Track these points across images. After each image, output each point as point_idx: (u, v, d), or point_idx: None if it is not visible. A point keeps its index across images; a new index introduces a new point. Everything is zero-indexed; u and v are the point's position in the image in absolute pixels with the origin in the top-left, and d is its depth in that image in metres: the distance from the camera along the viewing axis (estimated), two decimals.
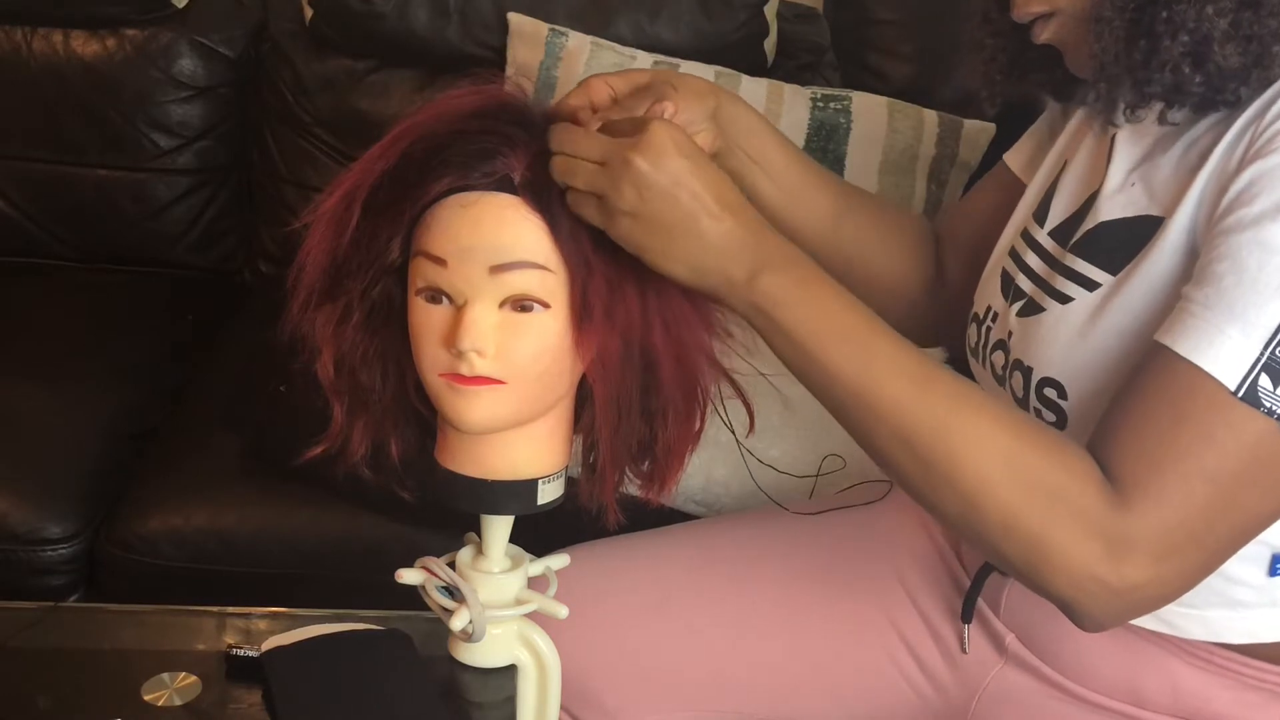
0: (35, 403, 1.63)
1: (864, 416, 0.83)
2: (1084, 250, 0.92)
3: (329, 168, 1.94)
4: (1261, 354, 0.77)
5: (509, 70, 1.84)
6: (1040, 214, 1.00)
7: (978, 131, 1.80)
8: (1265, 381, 0.77)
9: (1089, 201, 0.95)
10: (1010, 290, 0.99)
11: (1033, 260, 0.98)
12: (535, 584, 0.99)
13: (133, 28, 1.95)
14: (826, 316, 0.84)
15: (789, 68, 1.98)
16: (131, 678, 0.98)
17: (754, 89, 1.80)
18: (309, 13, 1.94)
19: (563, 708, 1.08)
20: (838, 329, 0.83)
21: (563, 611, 0.94)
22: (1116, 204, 0.91)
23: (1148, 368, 0.82)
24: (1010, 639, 1.04)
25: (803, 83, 1.85)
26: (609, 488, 0.95)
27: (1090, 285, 0.90)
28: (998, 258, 1.03)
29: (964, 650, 1.06)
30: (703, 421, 0.95)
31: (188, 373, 1.79)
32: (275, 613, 1.08)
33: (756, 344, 0.91)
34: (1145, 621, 0.94)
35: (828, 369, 0.83)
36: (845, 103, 1.78)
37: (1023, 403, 0.94)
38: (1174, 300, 0.82)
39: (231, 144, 2.01)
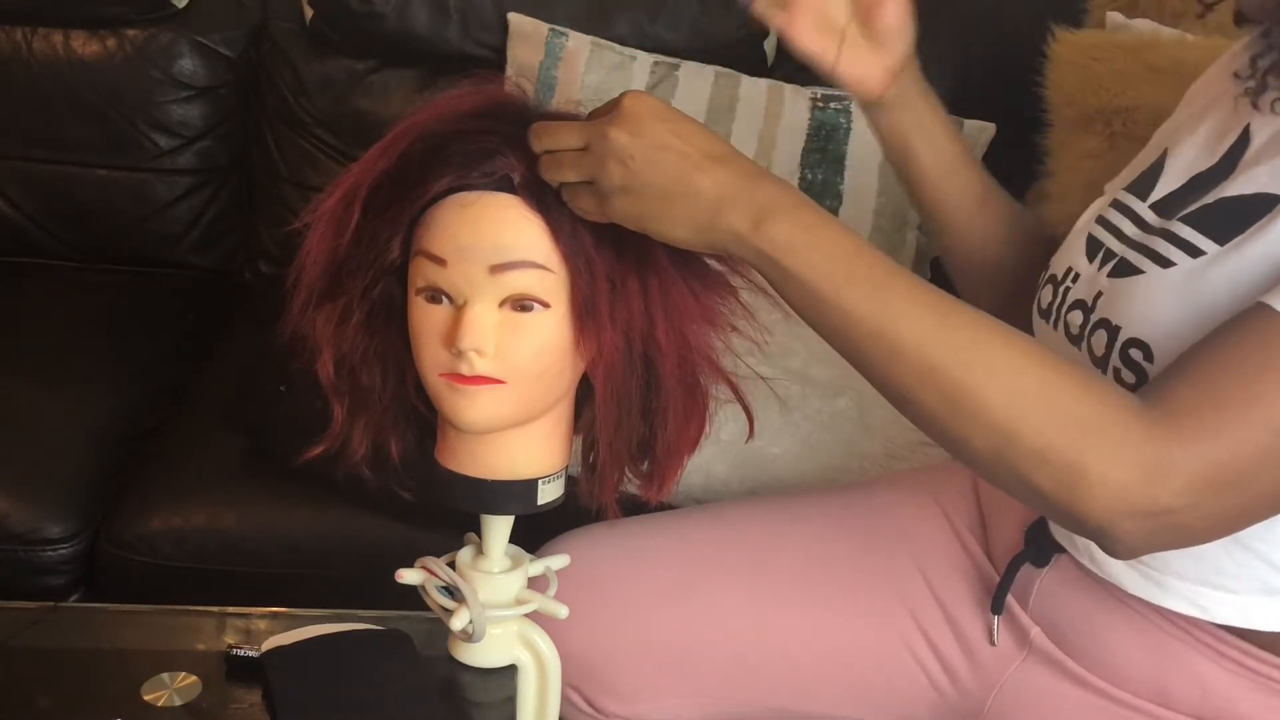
0: (35, 403, 1.63)
1: (885, 357, 0.81)
2: (1195, 220, 0.92)
3: (329, 168, 1.94)
4: None
5: (509, 70, 1.84)
6: (1140, 188, 0.99)
7: (978, 131, 1.80)
8: None
9: (1201, 178, 0.94)
10: (1098, 253, 0.98)
11: (1126, 226, 0.97)
12: (535, 584, 0.99)
13: (133, 28, 1.95)
14: (839, 259, 0.82)
15: (789, 68, 1.97)
16: (131, 678, 0.98)
17: (754, 89, 1.80)
18: (309, 13, 1.94)
19: (577, 690, 1.08)
20: (852, 271, 0.82)
21: (563, 611, 0.94)
22: (1238, 182, 0.91)
23: (1241, 320, 0.81)
24: (1035, 632, 1.03)
25: (803, 83, 1.84)
26: (609, 487, 0.95)
27: (1195, 252, 0.89)
28: (1083, 224, 1.03)
29: (993, 642, 1.06)
30: (703, 423, 0.95)
31: (188, 373, 1.79)
32: (275, 613, 1.08)
33: (760, 343, 0.91)
34: (1177, 605, 0.94)
35: (844, 311, 0.81)
36: (845, 103, 1.78)
37: (1102, 362, 0.93)
38: None
39: (231, 144, 2.01)
